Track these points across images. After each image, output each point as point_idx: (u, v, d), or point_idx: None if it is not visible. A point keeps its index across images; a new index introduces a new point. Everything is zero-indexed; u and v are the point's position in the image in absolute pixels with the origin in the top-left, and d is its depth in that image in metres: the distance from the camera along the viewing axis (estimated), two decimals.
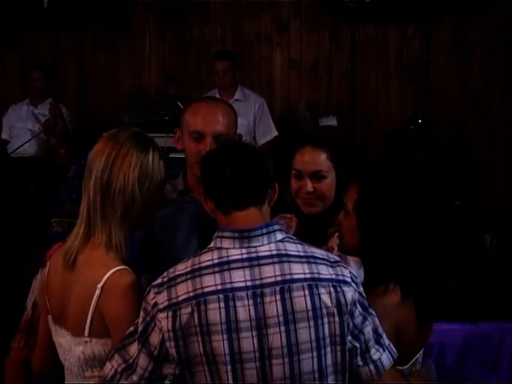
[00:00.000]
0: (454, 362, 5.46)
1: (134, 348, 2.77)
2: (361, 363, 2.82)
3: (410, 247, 3.34)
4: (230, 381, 2.69)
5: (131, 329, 2.80)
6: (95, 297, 2.89)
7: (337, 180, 4.00)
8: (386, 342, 2.90)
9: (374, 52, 8.98)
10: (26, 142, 8.46)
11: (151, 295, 2.77)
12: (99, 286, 2.89)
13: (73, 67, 9.66)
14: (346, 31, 8.89)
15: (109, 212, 2.99)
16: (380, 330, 2.89)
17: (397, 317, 3.09)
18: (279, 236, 2.84)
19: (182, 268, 2.80)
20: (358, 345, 2.80)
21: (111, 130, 3.20)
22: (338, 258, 2.90)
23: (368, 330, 2.83)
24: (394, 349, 2.92)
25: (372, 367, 2.84)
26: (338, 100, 8.99)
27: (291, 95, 9.23)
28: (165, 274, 2.83)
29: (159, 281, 2.81)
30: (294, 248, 2.83)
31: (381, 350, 2.87)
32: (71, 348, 3.00)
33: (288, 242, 2.85)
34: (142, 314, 2.78)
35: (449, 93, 8.70)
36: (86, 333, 2.93)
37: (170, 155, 6.35)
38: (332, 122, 8.17)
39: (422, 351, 3.44)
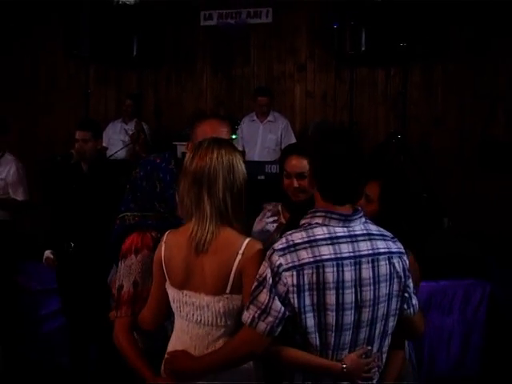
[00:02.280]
0: (421, 309, 5.74)
1: (263, 297, 2.72)
2: (406, 307, 2.88)
3: (412, 224, 3.53)
4: (333, 322, 2.71)
5: (255, 284, 2.76)
6: (237, 260, 2.84)
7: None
8: (415, 292, 2.97)
9: (366, 87, 9.01)
10: (119, 150, 8.55)
11: (275, 257, 2.72)
12: (240, 252, 2.84)
13: (152, 96, 9.86)
14: (347, 72, 8.96)
15: (238, 205, 2.94)
16: (413, 284, 2.92)
17: (414, 275, 3.05)
18: (363, 219, 2.85)
19: (299, 237, 2.75)
20: (407, 295, 2.86)
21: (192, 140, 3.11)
22: (393, 235, 2.91)
23: (410, 284, 2.88)
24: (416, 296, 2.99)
25: (412, 310, 2.91)
26: (340, 120, 9.04)
27: (307, 117, 9.25)
28: (283, 240, 2.77)
29: (281, 246, 2.74)
30: (373, 228, 2.86)
31: (415, 297, 2.94)
32: (209, 305, 2.90)
33: (369, 223, 2.88)
34: (268, 270, 2.73)
35: (419, 117, 8.72)
36: (228, 290, 2.87)
37: None
38: None
39: None
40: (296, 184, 3.89)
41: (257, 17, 9.41)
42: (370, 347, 2.82)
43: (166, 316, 3.15)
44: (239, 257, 2.84)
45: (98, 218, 5.63)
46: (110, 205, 5.70)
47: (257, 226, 4.08)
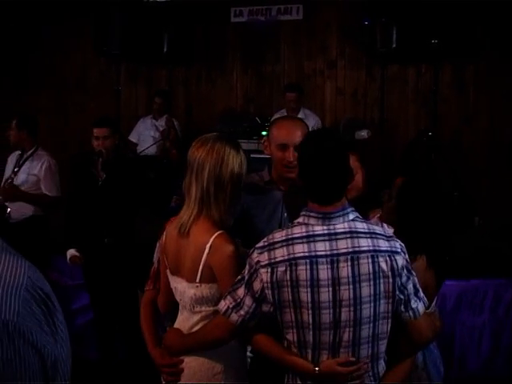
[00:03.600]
0: (451, 308, 5.64)
1: (241, 291, 2.83)
2: (403, 310, 2.82)
3: (433, 225, 3.45)
4: (310, 321, 2.74)
5: (239, 277, 2.87)
6: (205, 253, 2.99)
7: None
8: (421, 294, 2.89)
9: (397, 84, 8.96)
10: (150, 146, 8.60)
11: (255, 254, 2.82)
12: (208, 245, 2.98)
13: (183, 93, 9.92)
14: (378, 68, 8.99)
15: (220, 197, 3.04)
16: (417, 286, 2.87)
17: (423, 278, 3.07)
18: (351, 216, 2.82)
19: (278, 236, 2.81)
20: (402, 297, 2.79)
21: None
22: (391, 233, 2.86)
23: (410, 286, 2.82)
24: (426, 299, 2.91)
25: (411, 313, 2.83)
26: (371, 118, 9.04)
27: (337, 114, 9.24)
28: (265, 239, 2.84)
29: (261, 244, 2.83)
30: (360, 226, 2.82)
31: (418, 300, 2.86)
32: (185, 291, 3.10)
33: (357, 221, 2.84)
34: (247, 266, 2.83)
35: (450, 115, 8.64)
36: (198, 279, 3.03)
37: (252, 155, 6.60)
38: (364, 134, 8.05)
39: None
40: None
41: (287, 13, 9.39)
42: (353, 358, 2.79)
43: (174, 300, 3.30)
44: (206, 250, 3.01)
45: (124, 212, 5.87)
46: (136, 199, 5.83)
47: None
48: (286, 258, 2.76)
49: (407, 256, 2.86)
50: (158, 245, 3.52)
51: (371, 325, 2.79)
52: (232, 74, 9.74)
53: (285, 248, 2.77)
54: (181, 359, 3.16)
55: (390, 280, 2.77)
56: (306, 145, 2.94)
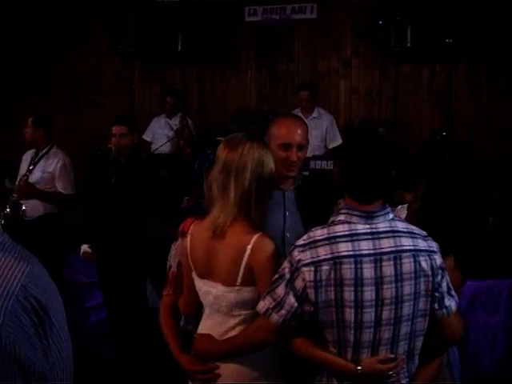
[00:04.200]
0: (465, 308, 5.56)
1: (280, 290, 2.78)
2: (437, 307, 2.84)
3: (459, 225, 3.46)
4: (352, 319, 2.73)
5: (276, 276, 2.82)
6: (246, 255, 2.93)
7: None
8: (453, 292, 2.92)
9: (411, 83, 8.92)
10: (163, 144, 8.61)
11: (296, 252, 2.77)
12: (249, 246, 2.92)
13: (197, 91, 9.92)
14: (392, 67, 8.94)
15: (261, 197, 3.01)
16: (450, 284, 2.90)
17: (451, 277, 3.00)
18: (391, 215, 2.84)
19: (320, 234, 2.79)
20: (437, 295, 2.82)
21: (231, 135, 3.12)
22: (426, 233, 2.88)
23: (444, 284, 2.85)
24: (457, 298, 2.94)
25: (444, 311, 2.86)
26: (385, 117, 9.01)
27: (352, 113, 9.21)
28: (305, 237, 2.81)
29: (302, 242, 2.79)
30: (400, 225, 2.84)
31: (451, 298, 2.89)
32: (222, 294, 3.02)
33: (396, 220, 2.86)
34: (287, 265, 2.79)
35: (464, 114, 8.61)
36: (238, 282, 2.97)
37: None
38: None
39: None
40: None
41: (301, 12, 9.38)
42: (393, 355, 2.81)
43: (198, 303, 3.25)
44: (248, 252, 2.94)
45: (137, 210, 5.91)
46: (149, 197, 5.86)
47: None
48: (329, 256, 2.74)
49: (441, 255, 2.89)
50: (173, 247, 3.48)
51: (410, 322, 2.82)
52: (246, 73, 9.74)
53: (328, 246, 2.75)
54: (216, 365, 3.08)
55: (430, 279, 2.80)
56: (352, 143, 2.92)
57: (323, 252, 2.74)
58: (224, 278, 3.02)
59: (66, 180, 6.58)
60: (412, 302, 2.79)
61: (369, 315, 2.74)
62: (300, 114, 8.34)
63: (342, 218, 2.83)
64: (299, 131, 3.56)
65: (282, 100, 9.50)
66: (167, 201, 6.29)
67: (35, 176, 6.55)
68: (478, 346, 5.76)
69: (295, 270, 2.76)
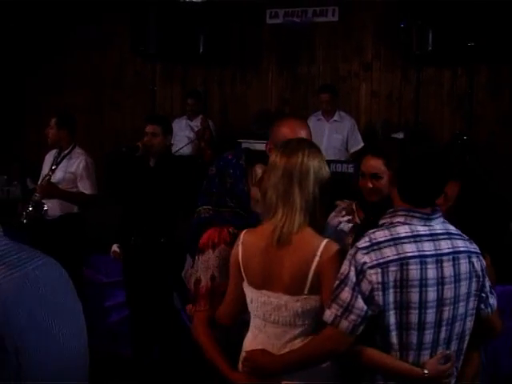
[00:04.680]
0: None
1: (344, 295, 2.73)
2: (483, 307, 2.90)
3: (492, 226, 3.55)
4: (416, 321, 2.74)
5: (337, 282, 2.77)
6: (315, 262, 2.86)
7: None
8: (493, 290, 2.97)
9: (432, 86, 8.91)
10: (184, 145, 8.59)
11: (360, 255, 2.75)
12: (318, 253, 2.86)
13: (218, 93, 9.97)
14: (413, 71, 8.94)
15: (324, 201, 2.98)
16: (490, 283, 2.94)
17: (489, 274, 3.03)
18: (442, 219, 2.89)
19: (381, 235, 2.78)
20: (483, 295, 2.89)
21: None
22: (468, 237, 2.92)
23: (487, 284, 2.90)
24: (495, 295, 2.99)
25: (489, 309, 2.93)
26: (405, 121, 8.99)
27: (372, 117, 9.23)
28: (366, 239, 2.79)
29: (364, 244, 2.77)
30: (451, 228, 2.90)
31: (493, 297, 2.95)
32: (285, 304, 2.93)
33: (446, 223, 2.91)
34: (351, 268, 2.75)
35: (485, 117, 8.59)
36: (306, 291, 2.88)
37: None
38: (399, 136, 7.82)
39: None
40: (370, 185, 3.70)
41: (323, 15, 9.40)
42: (448, 351, 2.84)
43: (241, 312, 3.19)
44: (317, 258, 2.87)
45: (164, 212, 5.84)
46: (176, 200, 5.83)
47: (330, 223, 4.03)
48: (396, 257, 2.74)
49: None
50: (198, 260, 3.37)
51: (462, 322, 2.87)
52: (267, 75, 9.76)
53: (393, 247, 2.75)
54: (280, 381, 2.97)
55: (480, 279, 2.87)
56: (412, 148, 2.96)
57: (389, 253, 2.74)
58: (288, 287, 2.93)
59: (88, 180, 6.62)
60: (465, 302, 2.84)
61: (431, 316, 2.77)
62: (321, 117, 8.47)
63: (401, 219, 2.84)
64: (302, 132, 3.51)
65: (303, 103, 9.52)
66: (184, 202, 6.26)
67: (57, 176, 6.59)
68: (497, 349, 5.75)
69: (360, 273, 2.74)
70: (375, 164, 3.69)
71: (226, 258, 3.24)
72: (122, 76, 10.41)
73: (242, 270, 3.08)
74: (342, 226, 3.89)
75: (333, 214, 4.03)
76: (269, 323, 3.02)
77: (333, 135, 8.39)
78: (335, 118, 8.51)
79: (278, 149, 3.07)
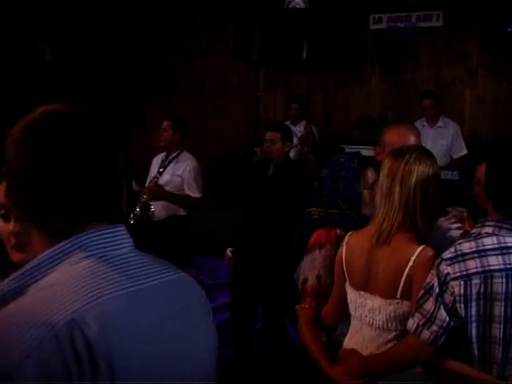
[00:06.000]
0: None
1: (428, 305, 2.73)
2: None
3: None
4: (500, 335, 2.68)
5: (422, 291, 2.76)
6: (408, 266, 2.88)
7: None
8: None
9: None
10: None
11: (443, 266, 2.72)
12: (412, 258, 2.88)
13: (320, 99, 10.00)
14: None
15: (426, 207, 2.96)
16: None
17: None
18: None
19: (467, 247, 2.72)
20: None
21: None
22: None
23: None
24: None
25: None
26: (511, 128, 8.73)
27: (477, 124, 9.11)
28: (452, 249, 2.74)
29: (449, 255, 2.73)
30: None
31: None
32: (379, 307, 2.97)
33: None
34: (435, 279, 2.73)
35: None
36: (398, 295, 2.92)
37: None
38: None
39: None
40: None
41: (427, 20, 9.33)
42: None
43: (345, 313, 3.23)
44: (411, 263, 2.90)
45: (280, 221, 5.81)
46: (293, 209, 5.87)
47: (442, 226, 4.03)
48: (480, 270, 2.68)
49: None
50: (306, 260, 3.45)
51: None
52: (370, 81, 9.76)
53: (478, 260, 2.69)
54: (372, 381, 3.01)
55: None
56: (503, 157, 2.85)
57: (473, 265, 2.69)
58: (383, 290, 2.99)
59: (195, 183, 6.79)
60: None
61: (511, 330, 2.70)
62: (425, 124, 8.38)
63: (489, 230, 2.76)
64: (412, 137, 3.57)
65: (406, 109, 9.44)
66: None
67: (165, 178, 6.79)
68: None
69: (443, 284, 2.72)
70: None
71: (331, 258, 3.31)
72: (226, 82, 10.59)
73: (345, 270, 3.15)
74: (451, 232, 3.88)
75: (442, 218, 4.03)
76: (365, 325, 3.08)
77: (437, 141, 8.30)
78: (439, 124, 8.46)
79: (389, 154, 3.12)
